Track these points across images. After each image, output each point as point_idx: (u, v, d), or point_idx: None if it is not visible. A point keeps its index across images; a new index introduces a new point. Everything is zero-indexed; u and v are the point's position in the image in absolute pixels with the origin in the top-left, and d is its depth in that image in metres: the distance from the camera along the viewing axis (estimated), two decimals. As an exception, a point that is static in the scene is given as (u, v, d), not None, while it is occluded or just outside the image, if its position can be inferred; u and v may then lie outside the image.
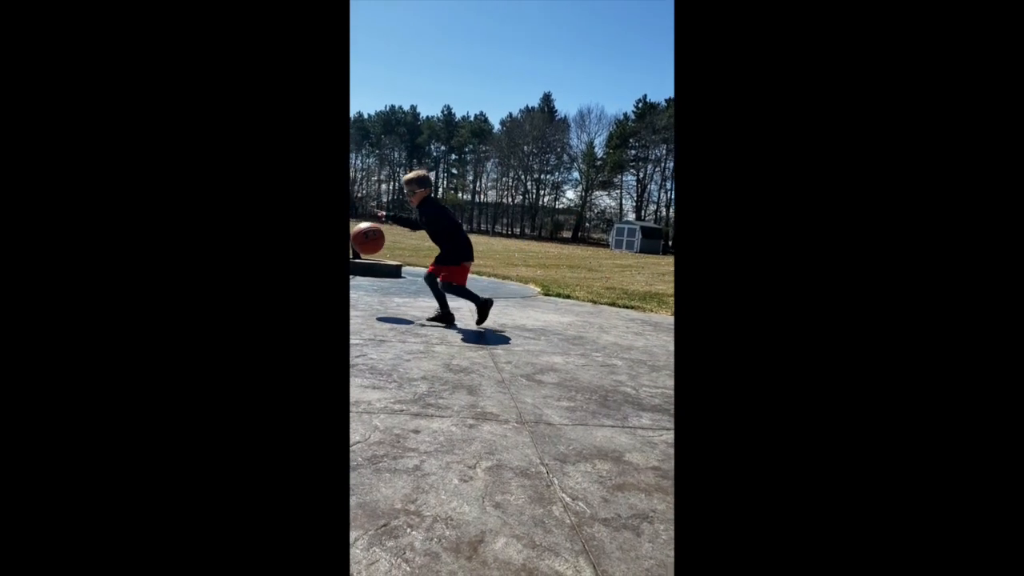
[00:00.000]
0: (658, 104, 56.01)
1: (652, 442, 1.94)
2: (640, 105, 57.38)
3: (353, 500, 1.34)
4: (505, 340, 3.53)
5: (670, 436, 2.02)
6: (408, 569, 1.10)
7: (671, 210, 53.63)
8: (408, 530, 1.24)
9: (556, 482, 1.56)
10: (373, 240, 4.13)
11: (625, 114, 58.00)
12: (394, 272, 7.02)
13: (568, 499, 1.46)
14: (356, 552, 1.13)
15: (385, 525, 1.25)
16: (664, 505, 1.47)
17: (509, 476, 1.57)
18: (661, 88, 79.38)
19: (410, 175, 3.96)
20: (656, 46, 74.24)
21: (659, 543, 1.28)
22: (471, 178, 67.26)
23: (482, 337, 3.59)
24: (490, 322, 4.14)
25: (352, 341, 3.12)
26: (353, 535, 1.19)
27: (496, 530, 1.27)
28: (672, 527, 1.35)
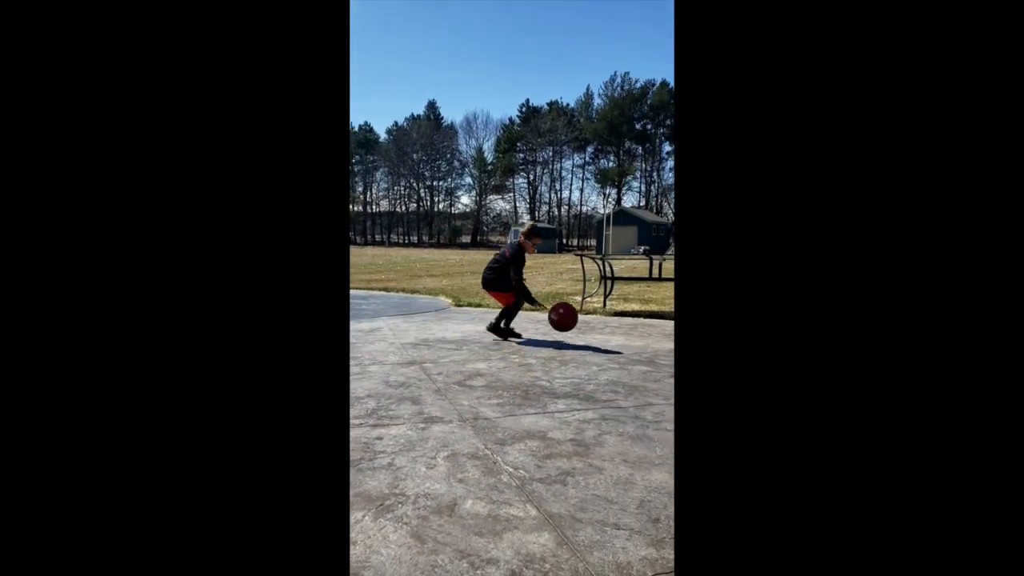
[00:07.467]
0: (540, 108, 58.25)
1: (567, 421, 2.47)
2: (524, 109, 59.35)
3: (351, 491, 1.73)
4: (431, 353, 3.94)
5: (582, 415, 2.56)
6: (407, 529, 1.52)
7: (562, 209, 55.86)
8: (399, 505, 1.66)
9: (499, 459, 2.03)
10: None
11: (511, 118, 59.77)
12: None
13: (511, 469, 1.94)
14: (367, 523, 1.53)
15: (380, 504, 1.66)
16: (582, 464, 2.00)
17: (463, 460, 2.02)
18: (544, 91, 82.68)
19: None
20: (537, 49, 77.36)
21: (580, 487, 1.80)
22: (360, 189, 65.85)
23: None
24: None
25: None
26: (359, 513, 1.59)
27: (464, 496, 1.72)
28: (587, 478, 1.87)
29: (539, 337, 4.62)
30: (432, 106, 64.29)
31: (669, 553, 1.42)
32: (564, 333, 4.65)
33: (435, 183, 61.77)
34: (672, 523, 1.56)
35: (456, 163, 61.11)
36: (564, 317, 4.64)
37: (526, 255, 4.60)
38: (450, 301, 7.19)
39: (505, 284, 4.48)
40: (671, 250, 26.00)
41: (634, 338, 4.63)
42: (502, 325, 4.56)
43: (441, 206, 62.76)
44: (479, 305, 6.74)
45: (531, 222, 5.01)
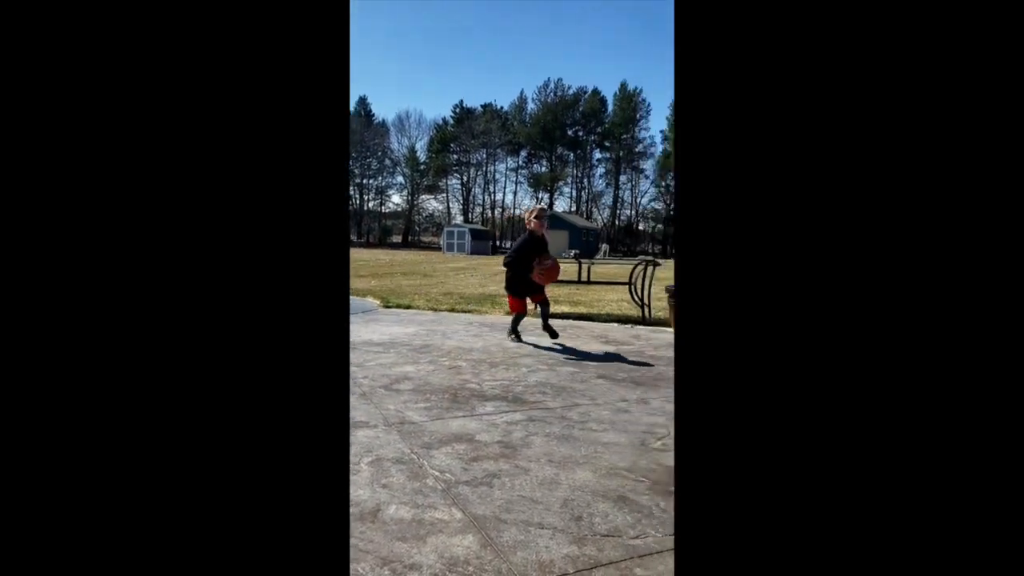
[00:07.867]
0: (475, 109, 58.25)
1: (495, 424, 2.48)
2: (458, 110, 59.12)
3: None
4: (357, 356, 3.84)
5: (509, 416, 2.58)
6: (327, 539, 1.47)
7: (495, 212, 56.11)
8: (318, 515, 1.60)
9: (425, 463, 2.00)
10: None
11: (444, 119, 59.32)
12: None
13: (437, 473, 1.92)
14: (283, 536, 1.47)
15: (299, 515, 1.59)
16: (508, 465, 2.01)
17: (388, 465, 1.97)
18: (478, 93, 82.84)
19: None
20: (472, 50, 77.41)
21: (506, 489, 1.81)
22: (287, 185, 62.87)
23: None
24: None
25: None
26: (275, 526, 1.51)
27: (388, 501, 1.69)
28: (513, 479, 1.89)
29: (470, 339, 4.61)
30: (363, 102, 62.68)
31: (591, 550, 1.45)
32: (495, 335, 4.66)
33: (365, 181, 60.14)
34: (594, 521, 1.61)
35: (388, 161, 59.91)
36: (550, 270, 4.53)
37: (540, 236, 4.52)
38: (378, 303, 7.03)
39: (516, 286, 4.50)
40: (599, 255, 26.75)
41: (563, 339, 4.72)
42: (548, 324, 4.56)
43: (371, 205, 61.25)
44: (408, 307, 6.63)
45: (533, 203, 5.32)
